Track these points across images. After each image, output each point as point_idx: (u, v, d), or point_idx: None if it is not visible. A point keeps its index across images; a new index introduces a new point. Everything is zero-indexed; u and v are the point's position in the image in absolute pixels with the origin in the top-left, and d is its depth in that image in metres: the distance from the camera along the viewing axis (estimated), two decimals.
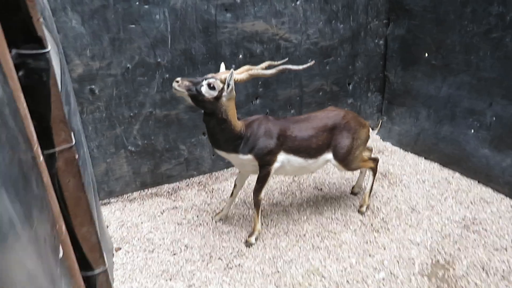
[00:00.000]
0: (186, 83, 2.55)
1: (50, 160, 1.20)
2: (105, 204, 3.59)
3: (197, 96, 2.57)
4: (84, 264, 1.35)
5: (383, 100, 4.65)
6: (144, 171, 3.60)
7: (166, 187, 3.84)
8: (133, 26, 3.13)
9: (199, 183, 3.95)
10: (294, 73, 3.95)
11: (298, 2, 3.71)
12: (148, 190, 3.78)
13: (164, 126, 3.53)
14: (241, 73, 2.70)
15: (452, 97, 3.79)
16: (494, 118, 3.46)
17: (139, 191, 3.73)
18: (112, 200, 3.63)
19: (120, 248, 3.01)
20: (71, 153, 1.23)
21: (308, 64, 2.80)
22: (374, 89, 4.55)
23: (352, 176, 3.99)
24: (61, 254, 1.04)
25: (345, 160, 3.07)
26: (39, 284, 0.84)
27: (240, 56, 3.61)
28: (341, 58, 4.17)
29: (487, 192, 3.58)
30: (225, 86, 2.59)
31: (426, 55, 3.93)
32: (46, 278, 0.90)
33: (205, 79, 2.58)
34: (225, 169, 4.13)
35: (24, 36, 1.11)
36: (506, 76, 3.27)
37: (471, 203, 3.44)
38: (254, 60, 3.61)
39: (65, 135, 1.21)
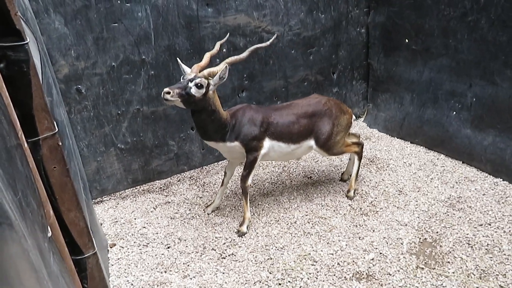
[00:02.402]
0: (177, 90, 2.59)
1: (35, 147, 1.25)
2: (98, 202, 3.62)
3: (189, 99, 2.64)
4: (74, 248, 1.39)
5: (368, 87, 4.73)
6: (135, 168, 3.64)
7: (157, 183, 3.88)
8: (116, 24, 3.16)
9: (190, 177, 3.99)
10: (278, 64, 4.00)
11: None
12: (140, 186, 3.82)
13: (152, 123, 3.57)
14: (207, 65, 2.82)
15: (433, 81, 3.88)
16: (474, 99, 3.55)
17: (131, 188, 3.77)
18: (104, 198, 3.67)
19: (114, 244, 3.05)
20: (55, 140, 1.28)
21: (273, 38, 2.99)
22: (359, 77, 4.63)
23: (340, 163, 4.07)
24: (49, 234, 1.09)
25: (326, 145, 3.18)
26: (23, 244, 0.87)
27: (224, 50, 3.66)
28: (324, 48, 4.23)
29: (471, 171, 3.68)
30: (210, 81, 2.71)
31: (407, 41, 4.01)
32: (32, 242, 0.94)
33: (191, 81, 2.64)
34: (216, 163, 4.18)
35: (3, 29, 1.16)
36: (483, 58, 3.36)
37: (456, 182, 3.54)
38: (238, 53, 3.64)
39: (48, 123, 1.26)
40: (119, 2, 3.11)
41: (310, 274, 2.65)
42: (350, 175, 3.71)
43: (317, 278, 2.61)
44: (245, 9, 3.63)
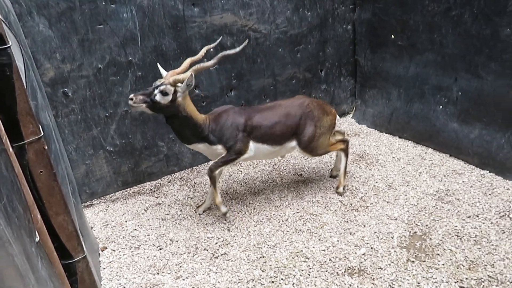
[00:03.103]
0: (140, 97, 2.65)
1: (20, 152, 1.24)
2: (88, 206, 3.59)
3: (155, 105, 2.70)
4: (63, 252, 1.38)
5: (356, 83, 4.76)
6: (125, 170, 3.61)
7: (148, 184, 3.87)
8: (101, 26, 3.13)
9: (180, 178, 3.98)
10: (266, 62, 4.01)
11: None
12: (130, 189, 3.80)
13: (141, 124, 3.55)
14: (185, 71, 2.80)
15: (420, 76, 3.91)
16: (460, 93, 3.59)
17: (121, 191, 3.75)
18: (94, 201, 3.64)
19: (106, 248, 3.03)
20: (41, 144, 1.27)
21: (243, 45, 2.91)
22: (346, 73, 4.65)
23: (330, 160, 4.09)
24: (37, 239, 1.08)
25: (309, 147, 3.19)
26: (8, 249, 0.86)
27: (211, 49, 3.64)
28: (311, 45, 4.25)
29: (458, 164, 3.73)
30: (177, 88, 2.72)
31: (392, 36, 4.04)
32: (18, 248, 0.93)
33: (156, 88, 2.68)
34: (206, 163, 4.17)
35: None
36: (468, 51, 3.40)
37: (444, 175, 3.58)
38: None
39: (33, 127, 1.25)
40: (103, 3, 3.08)
41: (302, 271, 2.66)
42: (339, 171, 3.73)
43: (309, 275, 2.62)
44: (231, 8, 3.63)
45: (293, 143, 3.19)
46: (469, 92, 3.51)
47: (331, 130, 3.31)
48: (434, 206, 3.18)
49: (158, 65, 2.93)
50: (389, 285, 2.48)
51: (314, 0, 4.08)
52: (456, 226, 2.92)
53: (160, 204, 3.57)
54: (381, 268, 2.62)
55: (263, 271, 2.69)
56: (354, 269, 2.64)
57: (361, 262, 2.69)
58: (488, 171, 3.53)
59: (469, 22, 3.31)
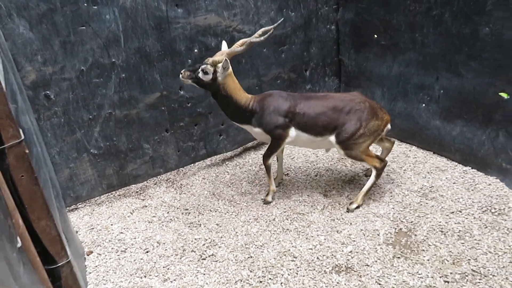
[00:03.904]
0: (188, 73, 3.04)
1: (1, 156, 1.21)
2: (72, 210, 3.55)
3: (198, 82, 3.06)
4: (47, 258, 1.36)
5: (340, 83, 4.79)
6: (110, 173, 3.57)
7: (133, 187, 3.83)
8: (84, 27, 3.09)
9: (167, 180, 3.96)
10: (251, 63, 4.01)
11: None
12: (115, 192, 3.76)
13: (125, 126, 3.52)
14: (222, 55, 3.01)
15: (402, 75, 3.97)
16: (441, 91, 3.65)
17: (106, 194, 3.70)
18: (79, 205, 3.60)
19: (91, 252, 3.00)
20: (21, 148, 1.25)
21: (269, 33, 3.03)
22: (331, 73, 4.68)
23: (316, 159, 4.12)
24: (19, 244, 1.06)
25: (345, 143, 3.08)
26: None
27: (196, 50, 3.64)
28: (295, 45, 4.27)
29: (441, 161, 3.79)
30: (217, 69, 2.96)
31: (375, 36, 4.08)
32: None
33: (200, 66, 2.99)
34: (192, 164, 4.16)
35: None
36: (448, 51, 3.46)
37: (428, 172, 3.64)
38: (210, 53, 3.64)
39: (13, 131, 1.22)
40: (85, 5, 3.05)
41: (290, 270, 2.67)
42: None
43: (297, 274, 2.64)
44: (215, 9, 3.62)
45: (332, 137, 3.12)
46: (450, 90, 3.57)
47: (375, 136, 3.14)
48: (419, 203, 3.23)
49: (223, 42, 3.19)
50: (376, 281, 2.51)
51: (297, 0, 4.10)
52: (440, 222, 2.97)
53: (146, 206, 3.54)
54: (368, 265, 2.65)
55: (251, 271, 2.70)
56: (341, 267, 2.66)
57: (348, 260, 2.72)
58: (470, 167, 3.60)
59: (449, 21, 3.37)
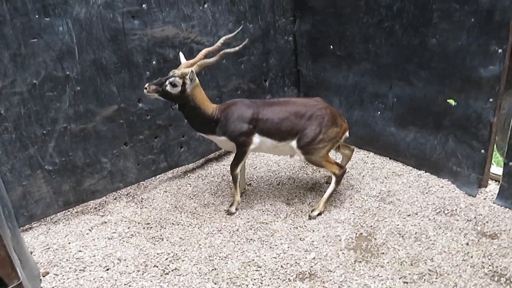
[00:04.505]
0: (153, 87, 2.99)
1: None
2: (26, 229, 3.37)
3: (165, 95, 3.02)
4: None
5: (299, 93, 4.89)
6: (66, 190, 3.44)
7: (92, 203, 3.71)
8: (35, 40, 2.99)
9: (127, 194, 3.86)
10: (210, 74, 4.02)
11: (205, 5, 3.78)
12: (72, 209, 3.62)
13: (81, 141, 3.41)
14: (194, 65, 3.04)
15: (358, 84, 4.11)
16: (395, 99, 3.81)
17: (63, 212, 3.56)
18: (34, 224, 3.43)
19: (48, 273, 2.86)
20: None
21: (244, 43, 3.14)
22: (290, 83, 4.77)
23: (278, 168, 4.16)
24: None
25: (305, 148, 3.15)
26: None
27: (154, 62, 3.60)
28: (254, 56, 4.32)
29: (397, 166, 3.94)
30: (186, 80, 2.97)
31: (331, 47, 4.21)
32: None
33: (167, 79, 2.97)
34: (153, 177, 4.08)
35: None
36: (400, 61, 3.62)
37: (385, 177, 3.77)
38: (168, 65, 3.62)
39: None
40: (37, 16, 2.95)
41: (255, 280, 2.67)
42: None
43: (262, 283, 2.64)
44: (173, 20, 3.61)
45: (294, 142, 3.18)
46: (403, 98, 3.73)
47: (334, 142, 3.22)
48: (377, 207, 3.33)
49: (181, 53, 3.18)
50: (339, 286, 2.56)
51: (255, 12, 4.16)
52: (398, 225, 3.08)
53: (105, 222, 3.43)
54: (331, 271, 2.69)
55: (215, 284, 2.67)
56: (305, 274, 2.69)
57: (311, 267, 2.75)
58: (424, 171, 3.77)
59: (400, 33, 3.54)
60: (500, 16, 2.87)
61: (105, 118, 3.49)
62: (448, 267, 2.62)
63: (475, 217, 3.08)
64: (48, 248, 3.13)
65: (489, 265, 2.61)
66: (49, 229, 3.39)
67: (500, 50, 2.94)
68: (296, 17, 4.49)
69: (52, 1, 2.99)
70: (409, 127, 3.78)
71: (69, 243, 3.18)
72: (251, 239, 3.09)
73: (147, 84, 3.01)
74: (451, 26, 3.17)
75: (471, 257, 2.69)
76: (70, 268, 2.90)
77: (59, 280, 2.79)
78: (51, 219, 3.51)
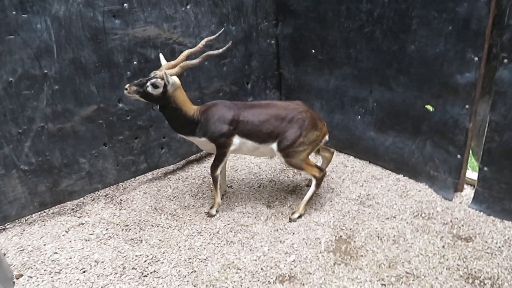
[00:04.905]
0: (134, 88, 2.94)
1: None
2: (0, 231, 3.28)
3: (146, 96, 2.98)
4: None
5: (281, 96, 4.91)
6: (42, 190, 3.36)
7: (69, 204, 3.63)
8: (12, 37, 2.92)
9: (105, 195, 3.80)
10: (192, 75, 4.00)
11: (188, 6, 3.76)
12: (49, 210, 3.54)
13: (59, 140, 3.34)
14: (175, 67, 3.01)
15: (339, 88, 4.15)
16: (375, 104, 3.87)
17: (38, 212, 3.47)
18: (7, 226, 3.34)
19: (21, 275, 2.79)
20: None
21: (227, 46, 3.10)
22: (272, 86, 4.79)
23: (259, 171, 4.16)
24: None
25: (285, 151, 3.16)
26: None
27: (135, 62, 3.56)
28: (236, 59, 4.32)
29: (376, 170, 4.00)
30: (166, 82, 2.93)
31: (313, 51, 4.25)
32: None
33: (148, 80, 2.94)
34: (133, 179, 4.03)
35: None
36: (380, 65, 3.68)
37: (365, 181, 3.81)
38: (150, 65, 3.59)
39: None
40: (14, 13, 2.88)
41: (234, 282, 2.66)
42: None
43: (241, 286, 2.63)
44: (155, 20, 3.58)
45: (274, 144, 3.20)
46: (383, 103, 3.79)
47: (314, 146, 3.24)
48: (357, 210, 3.37)
49: (160, 54, 3.15)
50: None
51: (238, 15, 4.17)
52: (376, 228, 3.12)
53: (83, 224, 3.37)
54: (310, 273, 2.71)
55: (194, 286, 2.65)
56: (285, 276, 2.70)
57: (291, 269, 2.76)
58: (402, 175, 3.83)
59: (380, 38, 3.59)
60: (476, 25, 2.95)
61: (84, 118, 3.43)
62: (424, 270, 2.67)
63: (451, 221, 3.15)
64: (23, 250, 3.05)
65: (464, 268, 2.67)
66: (24, 230, 3.30)
67: (476, 58, 3.02)
68: (279, 21, 4.51)
69: None
70: (388, 132, 3.84)
71: (45, 244, 3.11)
72: (231, 241, 3.08)
73: (127, 85, 2.96)
74: (429, 33, 3.24)
75: (447, 259, 2.75)
76: (45, 270, 2.83)
77: (33, 283, 2.72)
78: (26, 220, 3.43)
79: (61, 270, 2.83)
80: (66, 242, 3.13)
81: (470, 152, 3.50)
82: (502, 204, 3.13)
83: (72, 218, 3.45)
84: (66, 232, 3.26)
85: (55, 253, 3.01)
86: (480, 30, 2.95)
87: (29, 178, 3.27)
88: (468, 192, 3.47)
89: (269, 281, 2.66)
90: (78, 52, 3.24)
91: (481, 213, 3.23)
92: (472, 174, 3.55)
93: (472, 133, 3.31)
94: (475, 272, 2.63)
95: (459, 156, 3.35)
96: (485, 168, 3.17)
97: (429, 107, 3.44)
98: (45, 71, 3.12)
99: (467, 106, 3.18)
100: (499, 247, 2.84)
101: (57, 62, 3.15)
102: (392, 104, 3.72)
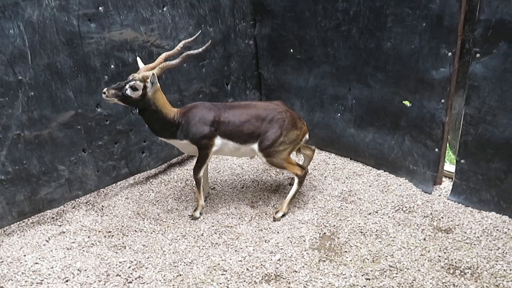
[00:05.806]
0: (112, 91, 2.91)
1: None
2: None
3: (125, 99, 2.94)
4: None
5: (261, 96, 4.92)
6: (20, 200, 3.28)
7: (49, 212, 3.56)
8: None
9: (86, 202, 3.74)
10: (171, 78, 3.97)
11: (164, 9, 3.74)
12: (28, 219, 3.46)
13: (36, 148, 3.27)
14: (154, 69, 2.99)
15: (318, 87, 4.19)
16: (354, 101, 3.92)
17: (17, 222, 3.39)
18: None
19: (2, 287, 2.72)
20: None
21: (207, 45, 3.11)
22: (251, 86, 4.80)
23: (242, 171, 4.16)
24: None
25: (267, 151, 3.19)
26: None
27: (112, 66, 3.51)
28: (215, 60, 4.31)
29: (358, 166, 4.05)
30: (147, 84, 2.91)
31: (292, 50, 4.28)
32: None
33: (127, 83, 2.90)
34: (114, 184, 3.97)
35: None
36: (358, 63, 3.73)
37: (346, 178, 3.86)
38: (128, 69, 3.55)
39: None
40: None
41: (220, 284, 2.66)
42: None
43: (228, 287, 2.63)
44: (131, 23, 3.54)
45: (255, 145, 3.22)
46: (362, 100, 3.85)
47: (294, 145, 3.29)
48: (340, 207, 3.41)
49: (138, 58, 3.12)
50: (304, 286, 2.59)
51: (215, 16, 4.16)
52: (359, 224, 3.16)
53: (64, 232, 3.30)
54: (296, 271, 2.73)
55: None
56: (271, 276, 2.71)
57: (277, 268, 2.77)
58: (383, 171, 3.90)
59: (357, 36, 3.64)
60: (448, 21, 3.03)
61: (62, 124, 3.37)
62: (407, 262, 2.72)
63: (431, 213, 3.22)
64: (2, 261, 2.98)
65: (445, 259, 2.73)
66: (2, 241, 3.22)
67: (449, 54, 3.10)
68: (256, 21, 4.53)
69: (2, 3, 2.85)
70: (368, 128, 3.90)
71: (25, 255, 3.04)
72: (216, 243, 3.08)
73: (105, 89, 2.92)
74: (404, 30, 3.30)
75: (429, 251, 2.81)
76: (26, 281, 2.77)
77: None
78: (4, 231, 3.34)
79: (42, 280, 2.77)
80: (47, 252, 3.06)
81: (447, 145, 3.58)
82: (479, 195, 3.22)
83: (52, 227, 3.38)
84: (47, 241, 3.20)
85: (36, 263, 2.94)
86: (453, 26, 3.02)
87: (6, 187, 3.19)
88: (447, 184, 3.55)
89: (255, 281, 2.66)
90: (53, 57, 3.18)
91: (460, 204, 3.31)
92: (450, 167, 3.64)
93: (449, 127, 3.40)
94: (455, 262, 2.69)
95: (436, 149, 3.43)
96: (462, 161, 3.25)
97: (406, 103, 3.50)
98: (20, 77, 3.05)
99: (442, 101, 3.25)
100: (478, 237, 2.92)
101: (31, 68, 3.09)
102: (370, 101, 3.78)
